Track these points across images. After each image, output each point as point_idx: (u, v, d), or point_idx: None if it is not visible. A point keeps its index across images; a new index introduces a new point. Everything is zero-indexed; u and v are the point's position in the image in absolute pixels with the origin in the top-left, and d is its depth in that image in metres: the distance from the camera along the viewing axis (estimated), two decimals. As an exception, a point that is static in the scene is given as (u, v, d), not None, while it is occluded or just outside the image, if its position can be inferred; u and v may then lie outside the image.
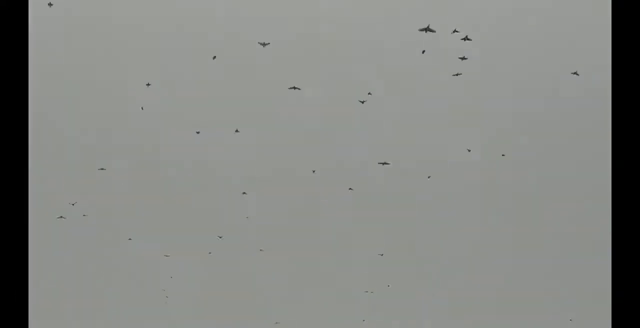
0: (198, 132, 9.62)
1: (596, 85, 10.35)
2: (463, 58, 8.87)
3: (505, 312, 10.71)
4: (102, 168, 10.30)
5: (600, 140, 10.41)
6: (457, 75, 9.15)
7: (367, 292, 10.62)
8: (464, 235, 10.72)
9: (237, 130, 8.76)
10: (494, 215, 10.66)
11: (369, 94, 8.89)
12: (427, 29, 8.22)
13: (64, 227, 10.68)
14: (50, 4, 7.85)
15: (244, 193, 9.62)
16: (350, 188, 10.31)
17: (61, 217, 10.03)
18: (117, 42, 10.36)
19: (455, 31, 8.54)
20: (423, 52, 8.17)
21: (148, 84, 8.60)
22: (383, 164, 8.28)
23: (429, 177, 9.18)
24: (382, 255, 10.68)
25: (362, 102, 9.76)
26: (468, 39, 8.63)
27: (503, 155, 9.84)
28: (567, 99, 10.46)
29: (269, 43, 8.25)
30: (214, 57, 8.32)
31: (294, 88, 8.49)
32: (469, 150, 10.50)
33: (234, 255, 10.85)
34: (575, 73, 9.27)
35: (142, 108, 8.86)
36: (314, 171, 10.22)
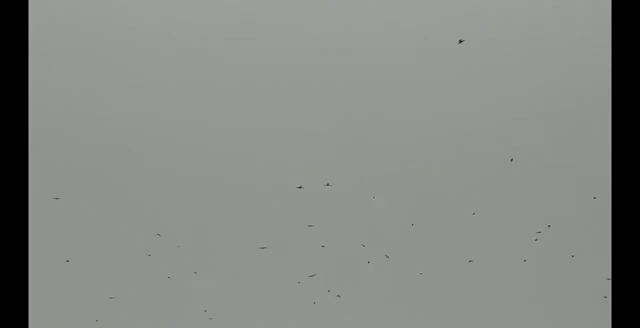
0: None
1: (596, 86, 10.36)
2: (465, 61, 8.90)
3: (505, 312, 10.73)
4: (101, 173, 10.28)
5: (600, 141, 10.43)
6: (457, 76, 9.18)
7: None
8: (462, 233, 10.75)
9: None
10: (492, 214, 10.69)
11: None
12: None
13: (63, 223, 10.71)
14: None
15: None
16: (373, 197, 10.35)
17: (57, 198, 9.96)
18: (118, 43, 10.39)
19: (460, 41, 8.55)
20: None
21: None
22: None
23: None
24: (388, 256, 10.70)
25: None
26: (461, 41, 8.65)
27: (512, 159, 9.86)
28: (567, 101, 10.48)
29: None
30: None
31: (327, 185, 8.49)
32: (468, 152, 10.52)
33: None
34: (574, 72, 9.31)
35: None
36: (327, 184, 10.24)
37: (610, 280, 10.11)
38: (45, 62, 10.27)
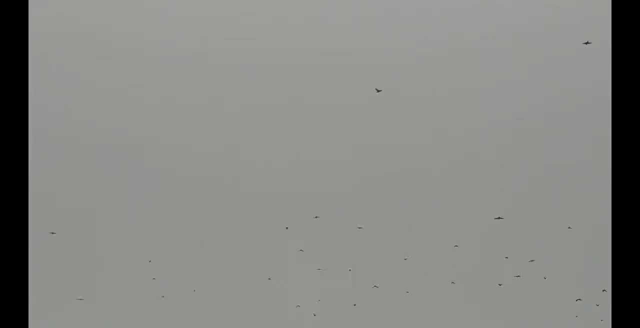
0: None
1: (596, 87, 10.35)
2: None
3: (504, 311, 10.71)
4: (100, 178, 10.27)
5: (600, 141, 10.42)
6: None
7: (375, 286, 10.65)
8: (462, 233, 10.74)
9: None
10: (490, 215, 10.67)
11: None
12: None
13: (64, 232, 10.69)
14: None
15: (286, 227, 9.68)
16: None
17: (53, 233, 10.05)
18: (117, 43, 10.37)
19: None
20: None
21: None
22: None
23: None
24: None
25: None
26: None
27: (498, 217, 9.88)
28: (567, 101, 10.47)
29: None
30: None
31: None
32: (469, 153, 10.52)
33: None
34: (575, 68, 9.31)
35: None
36: (316, 216, 10.25)
37: (610, 282, 10.08)
38: (45, 62, 10.27)
